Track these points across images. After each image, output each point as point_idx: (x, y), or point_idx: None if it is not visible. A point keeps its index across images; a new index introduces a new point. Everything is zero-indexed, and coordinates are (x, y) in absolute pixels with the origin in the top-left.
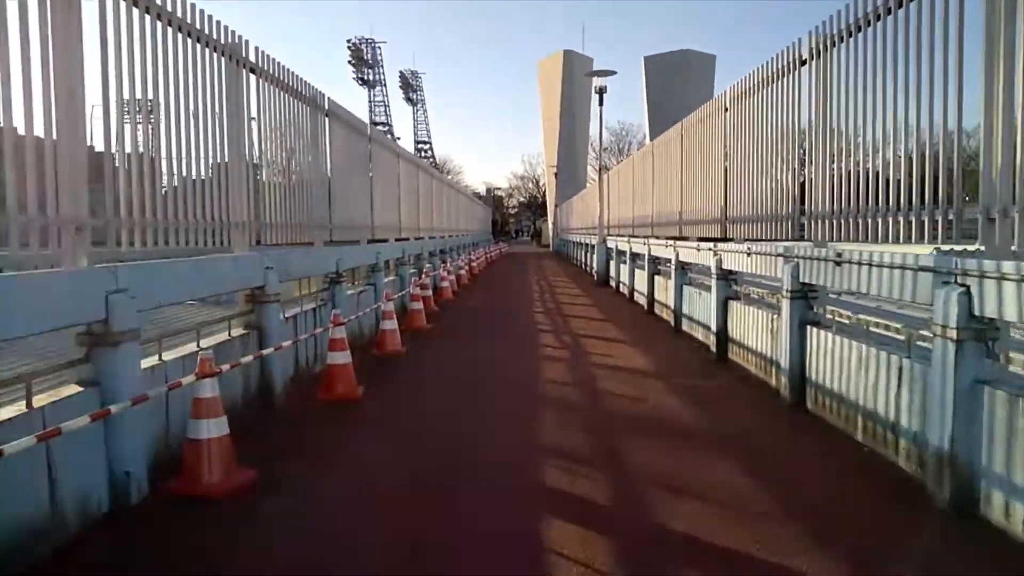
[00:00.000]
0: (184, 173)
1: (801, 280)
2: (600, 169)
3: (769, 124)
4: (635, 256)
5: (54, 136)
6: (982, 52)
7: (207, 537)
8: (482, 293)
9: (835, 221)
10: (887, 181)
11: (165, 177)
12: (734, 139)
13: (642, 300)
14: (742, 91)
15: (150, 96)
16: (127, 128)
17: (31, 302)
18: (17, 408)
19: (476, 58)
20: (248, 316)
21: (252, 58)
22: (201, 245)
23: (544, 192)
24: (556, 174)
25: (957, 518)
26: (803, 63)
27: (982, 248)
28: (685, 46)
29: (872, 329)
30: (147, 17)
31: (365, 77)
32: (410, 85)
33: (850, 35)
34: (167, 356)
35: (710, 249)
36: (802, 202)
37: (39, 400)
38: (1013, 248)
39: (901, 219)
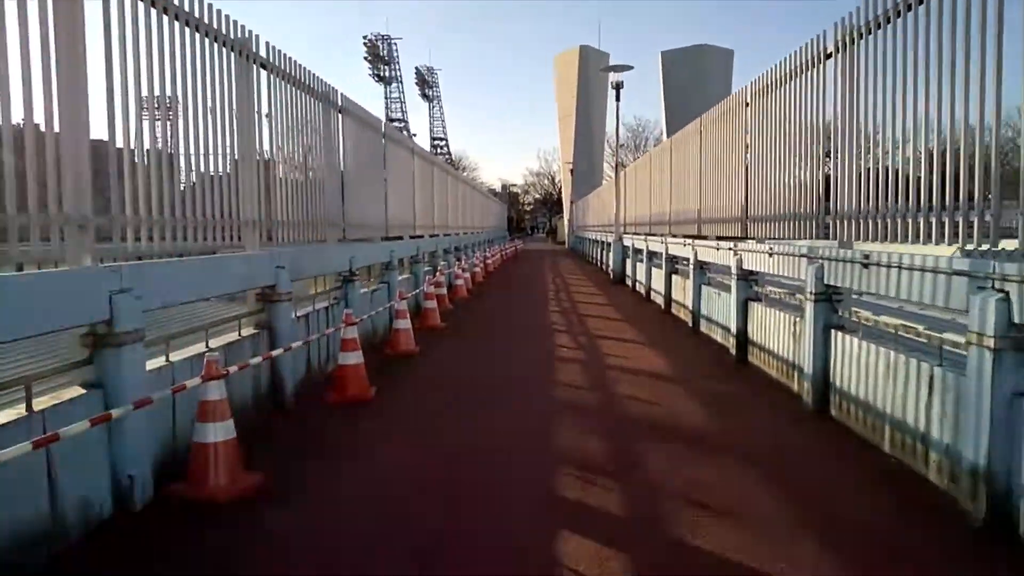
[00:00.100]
0: (193, 169)
1: (825, 282)
2: (616, 166)
3: (793, 119)
4: (652, 254)
5: (56, 130)
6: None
7: (209, 544)
8: (497, 291)
9: (862, 221)
10: (918, 179)
11: (173, 173)
12: (756, 135)
13: (659, 299)
14: (764, 85)
15: (156, 91)
16: (132, 124)
17: (30, 302)
18: (16, 412)
19: (492, 54)
20: (259, 315)
21: (263, 53)
22: (211, 243)
23: (560, 189)
24: (572, 171)
25: (992, 538)
26: (828, 56)
27: (1019, 250)
28: (703, 41)
29: (901, 334)
30: (153, 11)
31: (381, 74)
32: (426, 82)
33: (879, 26)
34: (175, 357)
35: (730, 248)
36: (827, 200)
37: (40, 403)
38: None
39: (933, 220)
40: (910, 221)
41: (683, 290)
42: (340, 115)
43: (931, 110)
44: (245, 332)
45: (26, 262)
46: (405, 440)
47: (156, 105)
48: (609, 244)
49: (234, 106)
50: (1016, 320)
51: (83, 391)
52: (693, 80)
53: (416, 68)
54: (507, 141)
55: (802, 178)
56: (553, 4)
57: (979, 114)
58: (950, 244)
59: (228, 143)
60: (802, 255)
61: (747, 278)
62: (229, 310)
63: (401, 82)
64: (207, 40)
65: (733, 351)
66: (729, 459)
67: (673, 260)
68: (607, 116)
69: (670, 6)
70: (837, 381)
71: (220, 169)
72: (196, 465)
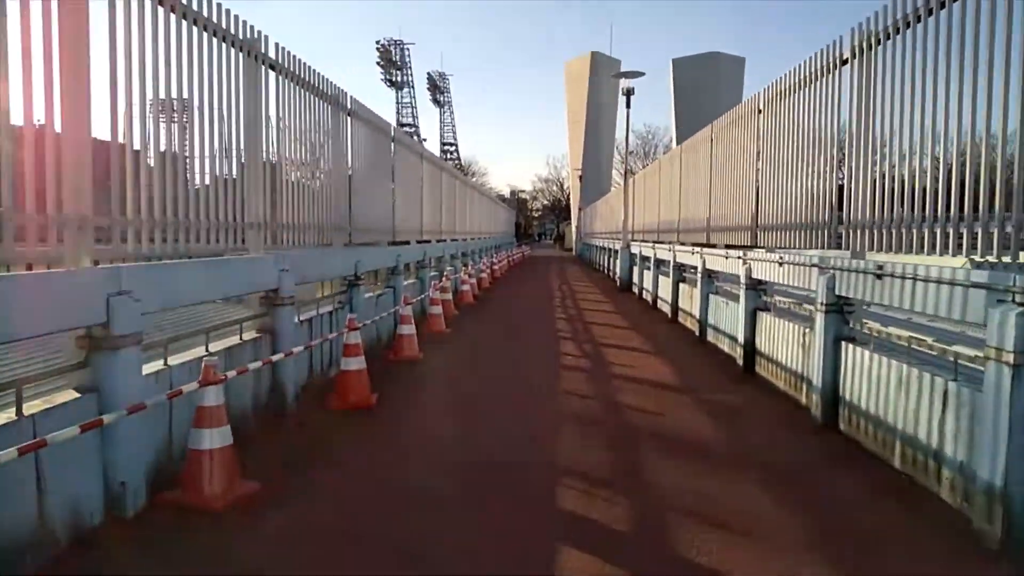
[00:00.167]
0: (197, 171)
1: (837, 293)
2: (625, 173)
3: (806, 127)
4: (659, 262)
5: (57, 129)
6: None
7: (200, 555)
8: (503, 297)
9: (876, 231)
10: (935, 190)
11: (176, 174)
12: (767, 142)
13: (665, 308)
14: (777, 92)
15: (162, 91)
16: (135, 123)
17: (24, 304)
18: (7, 416)
19: (503, 60)
20: (262, 319)
21: (272, 54)
22: (214, 245)
23: (568, 195)
24: (580, 177)
25: (1009, 561)
26: (844, 62)
27: None
28: (715, 49)
29: (914, 348)
30: (160, 9)
31: (393, 79)
32: (437, 87)
33: (897, 31)
34: (174, 361)
35: (739, 257)
36: (840, 210)
37: (32, 407)
38: None
39: (951, 231)
40: (926, 232)
41: (690, 299)
42: (349, 118)
43: (951, 118)
44: (247, 336)
45: (24, 263)
46: (405, 449)
47: (161, 105)
48: (616, 251)
49: (241, 107)
50: None
51: (77, 395)
52: (704, 88)
53: (428, 73)
54: (516, 146)
55: (814, 187)
56: (565, 11)
57: (1002, 123)
58: (968, 256)
59: (234, 144)
60: (813, 265)
61: (756, 287)
62: (238, 313)
63: (413, 87)
64: (215, 39)
65: (740, 361)
66: (735, 472)
67: (681, 268)
68: (617, 123)
69: (682, 13)
70: (847, 394)
71: (225, 171)
72: (191, 472)
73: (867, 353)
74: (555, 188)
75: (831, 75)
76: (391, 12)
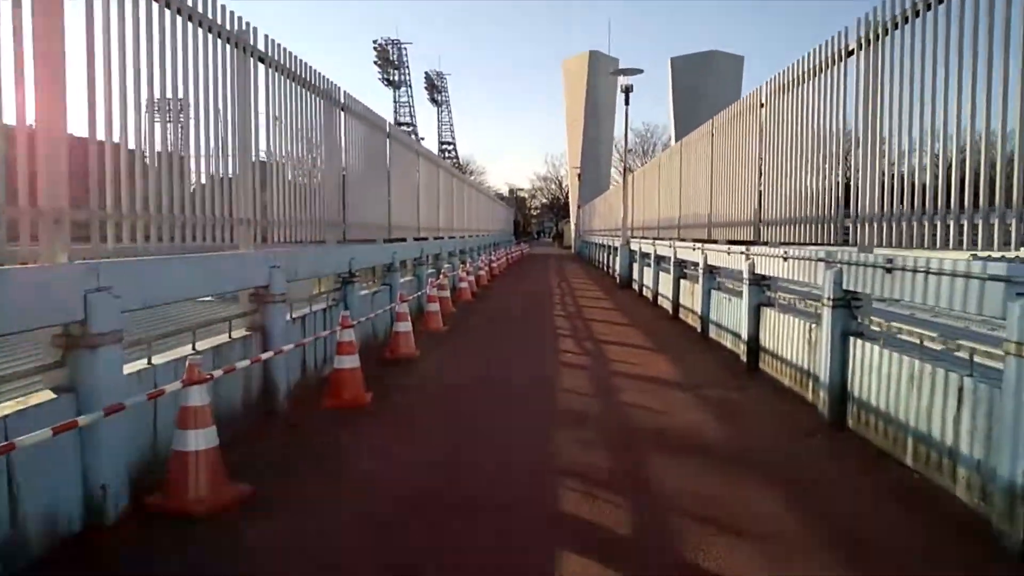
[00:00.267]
0: (184, 165)
1: (844, 287)
2: (624, 170)
3: (811, 120)
4: (660, 259)
5: (31, 122)
6: None
7: (185, 562)
8: (501, 294)
9: (884, 224)
10: (947, 183)
11: (160, 168)
12: (771, 136)
13: (666, 304)
14: (781, 85)
15: (144, 83)
16: (115, 116)
17: None
18: None
19: (501, 59)
20: (252, 317)
21: (261, 47)
22: (200, 241)
23: (567, 193)
24: (579, 175)
25: None
26: (850, 54)
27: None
28: (713, 48)
29: (926, 344)
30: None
31: (391, 78)
32: (435, 86)
33: (906, 21)
34: (159, 360)
35: (742, 252)
36: (847, 204)
37: (4, 408)
38: None
39: (965, 223)
40: (938, 224)
41: (692, 295)
42: (342, 113)
43: (964, 110)
44: (236, 334)
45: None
46: (399, 450)
47: (144, 98)
48: (616, 248)
49: (229, 101)
50: None
51: (53, 395)
52: (703, 86)
53: (426, 73)
54: (515, 145)
55: (819, 181)
56: (563, 9)
57: (1019, 113)
58: (983, 250)
59: (222, 138)
60: (820, 259)
61: (759, 283)
62: (227, 310)
63: (410, 86)
64: (200, 30)
65: (744, 358)
66: (741, 472)
67: (682, 264)
68: (615, 121)
69: (680, 12)
70: (855, 390)
71: (214, 166)
72: (175, 475)
73: (876, 349)
74: (554, 186)
75: (836, 67)
76: (388, 12)
